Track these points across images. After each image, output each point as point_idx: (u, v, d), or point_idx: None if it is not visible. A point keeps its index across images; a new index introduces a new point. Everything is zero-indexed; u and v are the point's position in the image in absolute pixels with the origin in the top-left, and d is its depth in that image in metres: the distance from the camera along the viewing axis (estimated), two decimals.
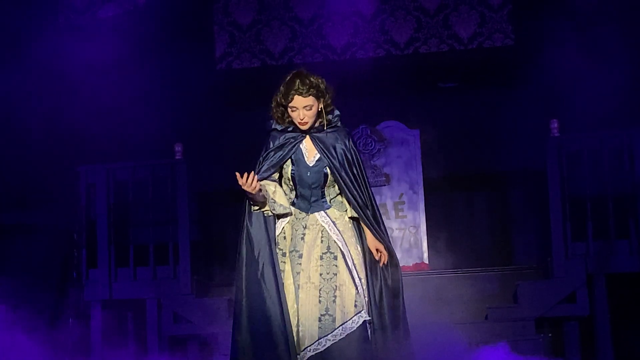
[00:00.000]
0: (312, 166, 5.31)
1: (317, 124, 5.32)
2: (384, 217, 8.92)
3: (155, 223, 8.57)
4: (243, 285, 5.21)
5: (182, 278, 8.43)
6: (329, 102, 5.30)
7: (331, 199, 5.36)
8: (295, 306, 5.16)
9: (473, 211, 9.30)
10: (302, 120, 5.25)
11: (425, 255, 8.99)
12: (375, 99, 9.36)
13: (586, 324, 8.28)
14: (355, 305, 5.16)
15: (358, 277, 5.23)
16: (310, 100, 5.22)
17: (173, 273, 8.52)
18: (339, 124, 5.38)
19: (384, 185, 9.11)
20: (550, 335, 8.21)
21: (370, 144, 9.16)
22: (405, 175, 9.14)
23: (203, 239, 9.02)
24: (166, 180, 8.64)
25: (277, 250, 5.27)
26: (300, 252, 5.24)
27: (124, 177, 8.68)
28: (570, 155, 8.49)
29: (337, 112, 5.39)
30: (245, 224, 5.29)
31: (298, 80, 5.23)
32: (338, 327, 5.11)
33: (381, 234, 5.34)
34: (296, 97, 5.21)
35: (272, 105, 5.32)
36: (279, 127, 5.33)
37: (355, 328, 5.13)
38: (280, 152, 5.29)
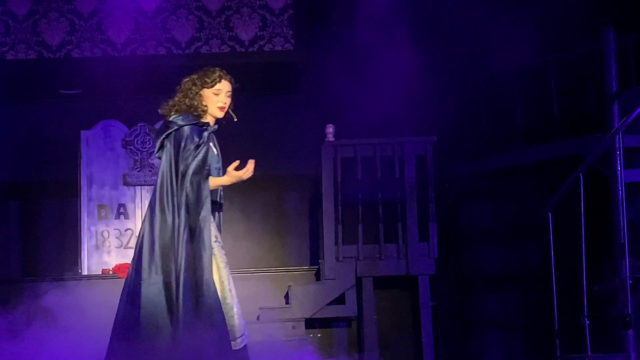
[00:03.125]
0: (218, 162, 5.55)
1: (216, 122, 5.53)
2: None
3: None
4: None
5: None
6: (231, 104, 5.64)
7: None
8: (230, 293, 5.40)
9: (249, 213, 9.37)
10: (224, 104, 5.52)
11: None
12: (155, 97, 9.24)
13: (355, 325, 8.54)
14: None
15: None
16: (231, 88, 5.57)
17: None
18: None
19: None
20: (319, 335, 8.40)
21: (148, 142, 9.08)
22: None
23: None
24: None
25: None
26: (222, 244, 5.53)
27: None
28: (344, 160, 8.71)
29: None
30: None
31: (219, 70, 5.56)
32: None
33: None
34: (223, 81, 5.53)
35: (181, 94, 5.52)
36: (193, 121, 5.47)
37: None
38: (206, 145, 5.45)
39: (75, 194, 9.08)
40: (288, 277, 8.75)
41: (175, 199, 5.36)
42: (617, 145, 7.07)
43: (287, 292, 8.53)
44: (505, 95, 8.94)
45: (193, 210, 5.35)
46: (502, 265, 9.08)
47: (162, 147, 5.47)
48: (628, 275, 6.81)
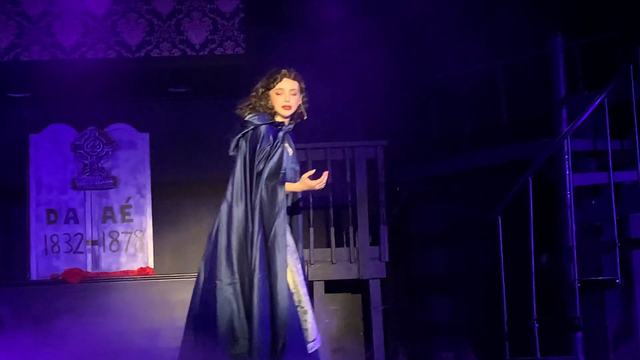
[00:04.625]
0: (292, 162, 5.60)
1: (290, 120, 5.58)
2: (109, 221, 8.93)
3: None
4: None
5: None
6: (305, 100, 5.62)
7: None
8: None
9: (199, 217, 9.35)
10: (287, 102, 5.54)
11: (151, 259, 8.95)
12: (105, 101, 9.23)
13: None
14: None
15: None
16: (296, 85, 5.58)
17: None
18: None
19: (111, 188, 9.01)
20: None
21: (98, 146, 9.02)
22: (133, 179, 9.07)
23: None
24: None
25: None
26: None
27: None
28: None
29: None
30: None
31: (283, 69, 5.61)
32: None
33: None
34: (285, 79, 5.57)
35: (253, 95, 5.63)
36: (268, 121, 5.54)
37: None
38: (277, 146, 5.51)
39: (23, 198, 8.99)
40: None
41: (250, 200, 5.41)
42: (566, 149, 7.16)
43: None
44: (454, 100, 9.02)
45: (267, 213, 5.40)
46: (451, 268, 9.16)
47: (237, 146, 5.52)
48: (577, 278, 6.90)
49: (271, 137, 5.50)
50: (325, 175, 5.48)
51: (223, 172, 9.27)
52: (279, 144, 5.51)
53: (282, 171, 5.52)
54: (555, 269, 7.51)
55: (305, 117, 5.69)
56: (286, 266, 5.36)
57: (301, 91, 5.64)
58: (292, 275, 5.42)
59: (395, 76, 9.03)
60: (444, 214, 9.23)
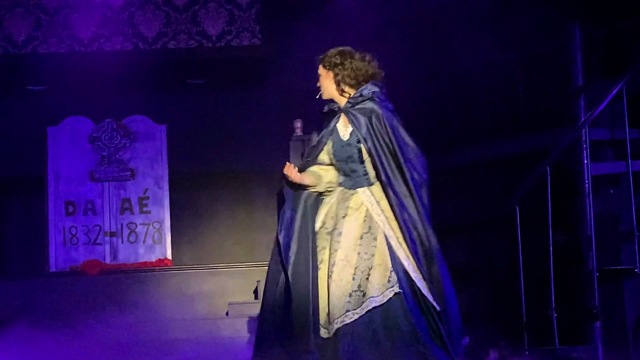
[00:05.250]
0: (346, 140, 5.43)
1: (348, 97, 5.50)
2: (127, 212, 8.96)
3: None
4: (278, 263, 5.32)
5: None
6: (345, 74, 5.46)
7: (374, 176, 5.43)
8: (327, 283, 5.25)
9: (217, 208, 9.38)
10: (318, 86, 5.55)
11: (169, 251, 8.98)
12: (122, 93, 9.25)
13: None
14: (389, 281, 5.21)
15: (398, 255, 5.29)
16: (320, 70, 5.51)
17: None
18: (375, 98, 5.51)
19: (129, 179, 9.04)
20: None
21: (115, 138, 9.05)
22: (150, 171, 9.10)
23: None
24: None
25: (324, 229, 5.35)
26: (340, 231, 5.32)
27: None
28: None
29: (371, 88, 5.52)
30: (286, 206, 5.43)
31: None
32: (366, 300, 5.17)
33: (404, 204, 5.41)
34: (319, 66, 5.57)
35: None
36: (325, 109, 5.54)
37: (384, 301, 5.18)
38: (323, 132, 5.49)
39: (42, 190, 9.03)
40: (257, 272, 8.75)
41: None
42: (584, 138, 7.14)
43: (256, 287, 8.53)
44: (471, 90, 9.00)
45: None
46: (469, 258, 9.14)
47: None
48: (595, 267, 6.88)
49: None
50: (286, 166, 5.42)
51: (240, 163, 9.34)
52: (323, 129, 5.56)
53: (307, 158, 5.52)
54: (572, 248, 7.48)
55: (317, 97, 5.65)
56: (308, 254, 5.34)
57: (329, 66, 5.54)
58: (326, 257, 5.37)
59: (412, 67, 9.02)
60: (461, 205, 9.21)
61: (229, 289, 8.63)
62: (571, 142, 7.21)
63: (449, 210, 9.31)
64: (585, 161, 7.17)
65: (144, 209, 9.01)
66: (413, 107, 8.96)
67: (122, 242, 8.95)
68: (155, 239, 8.97)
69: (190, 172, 9.32)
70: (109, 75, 8.87)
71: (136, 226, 8.98)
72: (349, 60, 5.52)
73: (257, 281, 8.51)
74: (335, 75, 5.52)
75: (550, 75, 8.45)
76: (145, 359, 7.25)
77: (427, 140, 9.07)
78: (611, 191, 7.64)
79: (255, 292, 8.55)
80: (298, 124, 8.79)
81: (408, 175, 5.51)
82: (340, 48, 5.57)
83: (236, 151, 9.30)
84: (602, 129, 7.62)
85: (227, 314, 8.36)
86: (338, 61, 5.54)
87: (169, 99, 9.46)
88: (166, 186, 9.04)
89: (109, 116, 9.08)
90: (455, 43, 8.84)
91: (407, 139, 5.61)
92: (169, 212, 9.02)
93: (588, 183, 7.17)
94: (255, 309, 8.33)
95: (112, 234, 8.94)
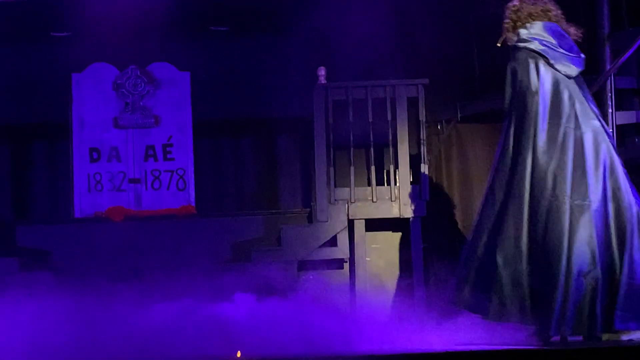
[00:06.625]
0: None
1: None
2: (151, 159, 8.99)
3: None
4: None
5: None
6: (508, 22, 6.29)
7: None
8: None
9: (239, 154, 9.39)
10: None
11: (192, 198, 9.02)
12: (146, 40, 9.23)
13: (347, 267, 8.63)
14: None
15: None
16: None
17: None
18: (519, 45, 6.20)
19: (153, 127, 9.05)
20: (311, 277, 8.47)
21: (139, 85, 9.05)
22: (174, 118, 9.11)
23: None
24: None
25: None
26: None
27: None
28: (336, 103, 8.71)
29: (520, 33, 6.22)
30: None
31: None
32: None
33: None
34: None
35: None
36: None
37: None
38: None
39: (66, 136, 9.08)
40: (280, 219, 8.79)
41: None
42: (609, 87, 7.09)
43: (280, 234, 8.57)
44: (496, 36, 8.93)
45: None
46: None
47: None
48: None
49: None
50: None
51: (264, 110, 9.32)
52: None
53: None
54: None
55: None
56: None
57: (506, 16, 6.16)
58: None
59: (436, 13, 8.96)
60: (487, 153, 9.19)
61: (252, 237, 8.68)
62: (597, 90, 7.16)
63: (474, 158, 9.27)
64: (611, 110, 7.14)
65: (168, 156, 9.03)
66: (437, 52, 8.93)
67: (146, 189, 8.99)
68: (179, 186, 9.00)
69: (213, 120, 9.32)
70: (133, 21, 8.84)
71: (160, 173, 9.01)
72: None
73: (281, 228, 8.55)
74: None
75: (576, 22, 8.37)
76: None
77: (451, 87, 9.09)
78: (636, 140, 7.60)
79: (279, 239, 8.59)
80: (322, 72, 8.77)
81: None
82: None
83: (260, 98, 9.28)
84: (628, 77, 7.56)
85: (251, 259, 8.41)
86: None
87: (192, 46, 9.43)
88: (190, 133, 9.05)
89: (132, 63, 9.07)
90: None
91: None
92: (192, 159, 9.04)
93: (613, 131, 7.13)
94: (278, 256, 8.40)
95: (136, 181, 8.97)
